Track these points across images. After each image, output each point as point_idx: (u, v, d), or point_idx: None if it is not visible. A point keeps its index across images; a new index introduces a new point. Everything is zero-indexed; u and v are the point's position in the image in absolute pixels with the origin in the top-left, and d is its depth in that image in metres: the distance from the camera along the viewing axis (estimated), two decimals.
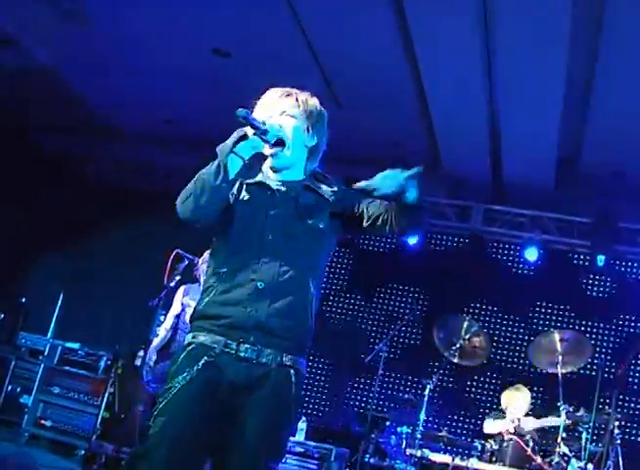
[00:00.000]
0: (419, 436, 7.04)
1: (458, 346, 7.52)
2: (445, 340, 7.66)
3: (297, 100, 2.98)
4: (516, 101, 7.68)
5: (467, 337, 7.54)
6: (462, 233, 9.84)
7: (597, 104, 7.59)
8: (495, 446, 6.90)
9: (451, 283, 9.41)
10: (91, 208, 10.13)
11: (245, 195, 2.93)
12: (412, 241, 9.37)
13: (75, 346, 8.27)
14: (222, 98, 6.81)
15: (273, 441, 2.77)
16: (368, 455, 7.32)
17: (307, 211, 2.91)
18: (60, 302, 9.13)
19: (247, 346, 2.74)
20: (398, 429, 7.28)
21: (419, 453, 6.91)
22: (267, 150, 2.91)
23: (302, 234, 2.88)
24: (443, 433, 7.30)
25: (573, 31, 6.45)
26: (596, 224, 9.01)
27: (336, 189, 3.03)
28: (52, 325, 8.99)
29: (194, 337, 2.82)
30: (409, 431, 7.21)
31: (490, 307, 9.50)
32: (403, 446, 7.20)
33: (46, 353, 8.22)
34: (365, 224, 2.93)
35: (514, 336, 9.31)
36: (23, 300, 8.95)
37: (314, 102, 3.05)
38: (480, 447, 6.98)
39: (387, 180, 2.67)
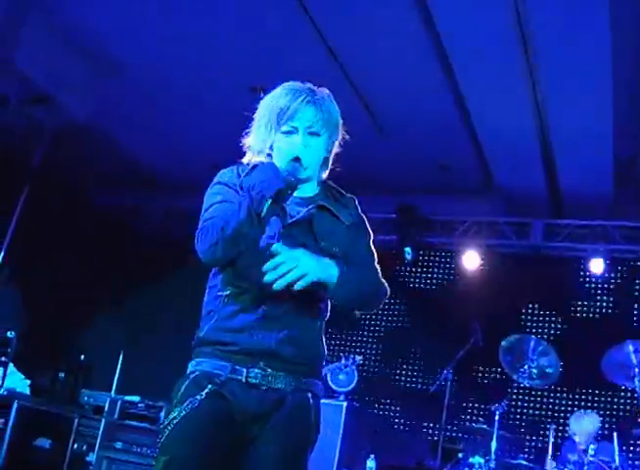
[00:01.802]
0: (492, 465, 6.68)
1: (527, 367, 7.15)
2: (513, 362, 7.29)
3: (321, 110, 2.66)
4: (564, 108, 7.43)
5: (535, 357, 7.17)
6: (523, 251, 9.50)
7: None
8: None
9: (514, 302, 9.07)
10: (144, 260, 10.15)
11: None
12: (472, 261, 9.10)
13: (135, 399, 8.17)
14: None
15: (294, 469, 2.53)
16: None
17: (321, 235, 2.65)
18: (121, 358, 9.07)
19: (256, 371, 2.50)
20: (470, 460, 6.90)
21: None
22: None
23: None
24: (519, 461, 6.92)
25: (615, 25, 6.20)
26: None
27: (354, 214, 2.77)
28: (115, 382, 8.93)
29: (197, 364, 2.57)
30: (482, 461, 6.83)
31: (558, 325, 9.14)
32: None
33: (107, 409, 8.12)
34: None
35: (586, 352, 8.88)
36: (83, 357, 8.93)
37: (334, 107, 2.74)
38: None
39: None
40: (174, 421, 2.46)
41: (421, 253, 9.71)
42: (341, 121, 2.77)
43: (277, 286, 2.42)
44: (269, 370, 2.51)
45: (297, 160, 2.61)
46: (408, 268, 9.82)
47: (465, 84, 7.37)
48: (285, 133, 2.65)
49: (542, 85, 7.15)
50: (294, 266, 2.43)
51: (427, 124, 8.21)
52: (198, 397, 2.47)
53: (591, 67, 6.74)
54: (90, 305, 10.37)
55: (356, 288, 2.62)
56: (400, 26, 6.80)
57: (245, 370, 2.50)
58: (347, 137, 2.81)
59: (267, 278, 2.42)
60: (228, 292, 2.61)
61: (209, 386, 2.49)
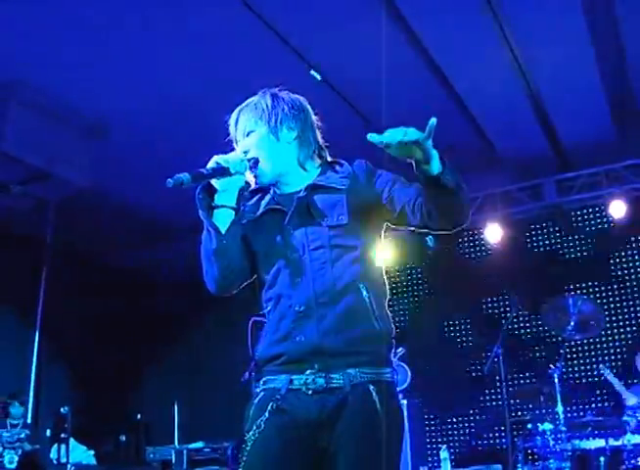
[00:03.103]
0: (564, 428, 6.62)
1: (573, 323, 7.10)
2: (557, 321, 7.26)
3: (247, 112, 2.70)
4: (546, 62, 7.38)
5: (577, 312, 7.12)
6: (540, 212, 9.43)
7: (630, 35, 7.21)
8: None
9: (545, 265, 9.02)
10: (174, 310, 10.21)
11: (258, 230, 2.67)
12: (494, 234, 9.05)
13: (199, 445, 8.19)
14: None
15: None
16: (520, 465, 6.92)
17: (322, 212, 2.60)
18: (176, 408, 9.11)
19: (313, 376, 2.46)
20: (540, 428, 6.84)
21: (569, 447, 6.50)
22: (249, 177, 2.64)
23: (328, 238, 2.57)
24: (588, 418, 6.86)
25: None
26: None
27: (350, 171, 2.69)
28: (176, 433, 8.96)
29: (263, 383, 2.56)
30: (552, 427, 6.76)
31: (592, 282, 9.01)
32: (551, 444, 6.77)
33: (174, 461, 8.15)
34: (394, 215, 2.59)
35: (624, 302, 8.79)
36: (139, 416, 8.99)
37: (265, 99, 2.71)
38: (631, 422, 6.52)
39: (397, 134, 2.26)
40: (246, 450, 2.45)
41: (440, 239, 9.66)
42: (297, 105, 2.73)
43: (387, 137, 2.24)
44: (325, 371, 2.46)
45: (251, 162, 2.61)
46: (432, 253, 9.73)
47: (445, 63, 7.35)
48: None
49: (520, 45, 7.10)
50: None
51: (417, 111, 8.17)
52: (262, 418, 2.45)
53: (563, 12, 6.67)
54: (136, 365, 10.46)
55: (457, 174, 2.40)
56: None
57: (301, 378, 2.48)
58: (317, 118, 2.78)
59: (378, 138, 2.26)
60: (268, 307, 2.61)
61: (271, 403, 2.47)
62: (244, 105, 2.73)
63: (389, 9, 6.62)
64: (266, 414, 2.45)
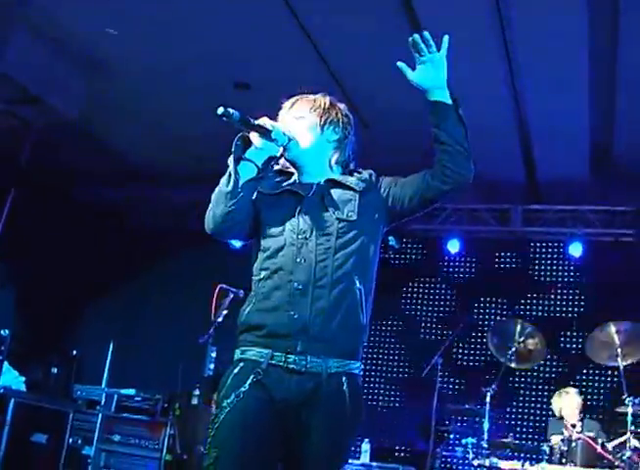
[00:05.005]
0: (485, 445, 6.91)
1: (514, 350, 7.39)
2: (500, 345, 7.54)
3: (305, 101, 2.97)
4: (542, 97, 7.59)
5: (522, 340, 7.41)
6: (503, 236, 9.71)
7: (625, 86, 7.46)
8: (564, 447, 6.72)
9: (498, 287, 9.29)
10: (132, 254, 10.22)
11: (272, 204, 2.88)
12: (453, 247, 9.29)
13: (131, 392, 8.25)
14: None
15: (335, 462, 2.67)
16: None
17: (335, 205, 2.83)
18: (111, 350, 9.16)
19: (294, 357, 2.64)
20: (463, 440, 7.14)
21: (487, 463, 6.78)
22: (280, 151, 2.86)
23: (336, 230, 2.78)
24: (509, 439, 7.16)
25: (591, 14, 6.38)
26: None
27: (366, 177, 2.95)
28: (105, 374, 9.01)
29: (242, 352, 2.73)
30: (474, 441, 7.07)
31: (541, 307, 9.35)
32: (470, 457, 7.07)
33: (103, 403, 8.22)
34: (408, 202, 2.87)
35: (568, 333, 9.14)
36: (74, 352, 9.00)
37: (325, 99, 3.00)
38: (548, 450, 6.83)
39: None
40: (222, 415, 2.61)
41: (404, 240, 9.89)
42: (343, 114, 3.02)
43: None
44: (307, 353, 2.64)
45: (290, 140, 2.86)
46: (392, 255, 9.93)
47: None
48: None
49: (521, 75, 7.28)
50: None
51: (407, 117, 8.31)
52: (242, 388, 2.61)
53: (568, 55, 6.86)
54: (81, 300, 10.46)
55: (463, 128, 2.82)
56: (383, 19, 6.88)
57: (283, 356, 2.64)
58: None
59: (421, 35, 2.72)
60: (262, 276, 2.78)
61: (252, 376, 2.63)
62: (304, 95, 2.99)
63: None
64: (246, 386, 2.61)
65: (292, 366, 2.63)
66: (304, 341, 2.64)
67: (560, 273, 9.51)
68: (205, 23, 7.17)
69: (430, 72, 2.77)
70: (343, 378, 2.68)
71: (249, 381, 2.63)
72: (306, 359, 2.64)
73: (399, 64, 2.78)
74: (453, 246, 9.54)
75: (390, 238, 9.51)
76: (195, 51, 7.59)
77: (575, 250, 9.13)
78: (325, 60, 7.44)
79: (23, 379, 8.65)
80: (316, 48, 7.28)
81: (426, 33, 2.71)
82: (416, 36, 2.71)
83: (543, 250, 9.66)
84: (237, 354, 2.76)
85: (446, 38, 2.76)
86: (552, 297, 9.38)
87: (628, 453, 6.35)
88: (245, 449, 2.57)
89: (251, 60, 7.58)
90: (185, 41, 7.47)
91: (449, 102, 2.81)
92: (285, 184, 2.94)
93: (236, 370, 2.70)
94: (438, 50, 2.76)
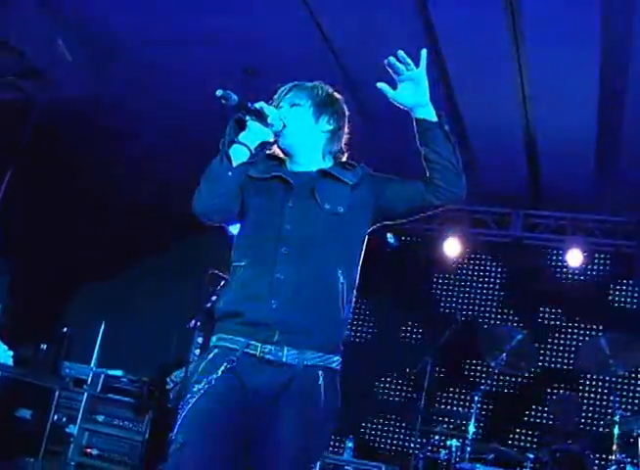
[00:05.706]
0: (469, 449, 6.87)
1: (504, 356, 7.34)
2: (491, 350, 7.48)
3: (301, 88, 2.93)
4: (549, 105, 7.55)
5: (512, 345, 7.35)
6: (502, 241, 9.65)
7: (632, 101, 7.43)
8: (548, 457, 6.70)
9: (494, 291, 9.23)
10: (126, 236, 10.17)
11: (260, 189, 2.84)
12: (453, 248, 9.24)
13: (118, 373, 8.27)
14: None
15: (303, 458, 2.60)
16: None
17: (324, 197, 2.79)
18: (102, 330, 9.14)
19: (270, 347, 2.59)
20: (447, 442, 7.10)
21: (469, 467, 6.75)
22: (273, 137, 2.83)
23: (323, 222, 2.75)
24: (494, 445, 7.12)
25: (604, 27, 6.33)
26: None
27: (359, 171, 2.92)
28: (95, 354, 9.00)
29: (218, 339, 2.69)
30: (459, 444, 7.02)
31: (534, 314, 9.28)
32: (453, 460, 7.02)
33: (89, 382, 8.22)
34: (398, 208, 2.87)
35: (562, 342, 9.09)
36: (65, 329, 8.99)
37: (323, 88, 2.97)
38: (532, 459, 6.79)
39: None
40: (191, 401, 2.56)
41: (402, 239, 9.83)
42: (340, 105, 3.01)
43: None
44: (284, 344, 2.59)
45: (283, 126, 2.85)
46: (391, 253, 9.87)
47: (455, 78, 7.45)
48: None
49: (531, 82, 7.24)
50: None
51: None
52: (214, 375, 2.57)
53: (579, 64, 6.83)
54: (76, 279, 10.41)
55: (451, 145, 2.81)
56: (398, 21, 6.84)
57: (259, 345, 2.59)
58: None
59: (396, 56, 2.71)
60: (243, 263, 2.73)
61: (225, 364, 2.58)
62: (300, 83, 2.95)
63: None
64: (219, 372, 2.57)
65: (267, 356, 2.59)
66: (282, 332, 2.60)
67: (557, 280, 9.44)
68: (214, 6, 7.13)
69: (410, 90, 2.76)
70: (320, 372, 2.64)
71: (221, 368, 2.59)
72: (283, 350, 2.60)
73: (379, 84, 2.76)
74: (452, 246, 9.46)
75: (389, 235, 9.44)
76: (203, 35, 7.53)
77: (574, 258, 9.04)
78: (336, 54, 7.39)
79: (12, 353, 8.63)
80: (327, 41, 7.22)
81: (400, 52, 2.70)
82: (391, 58, 2.70)
83: (541, 256, 9.58)
84: (212, 341, 2.72)
85: (424, 52, 2.74)
86: (547, 304, 9.29)
87: (614, 467, 6.31)
88: (211, 437, 2.52)
89: (261, 46, 7.52)
90: (194, 26, 7.41)
91: (434, 119, 2.79)
92: (275, 170, 2.90)
93: (210, 356, 2.66)
94: (417, 66, 2.73)
